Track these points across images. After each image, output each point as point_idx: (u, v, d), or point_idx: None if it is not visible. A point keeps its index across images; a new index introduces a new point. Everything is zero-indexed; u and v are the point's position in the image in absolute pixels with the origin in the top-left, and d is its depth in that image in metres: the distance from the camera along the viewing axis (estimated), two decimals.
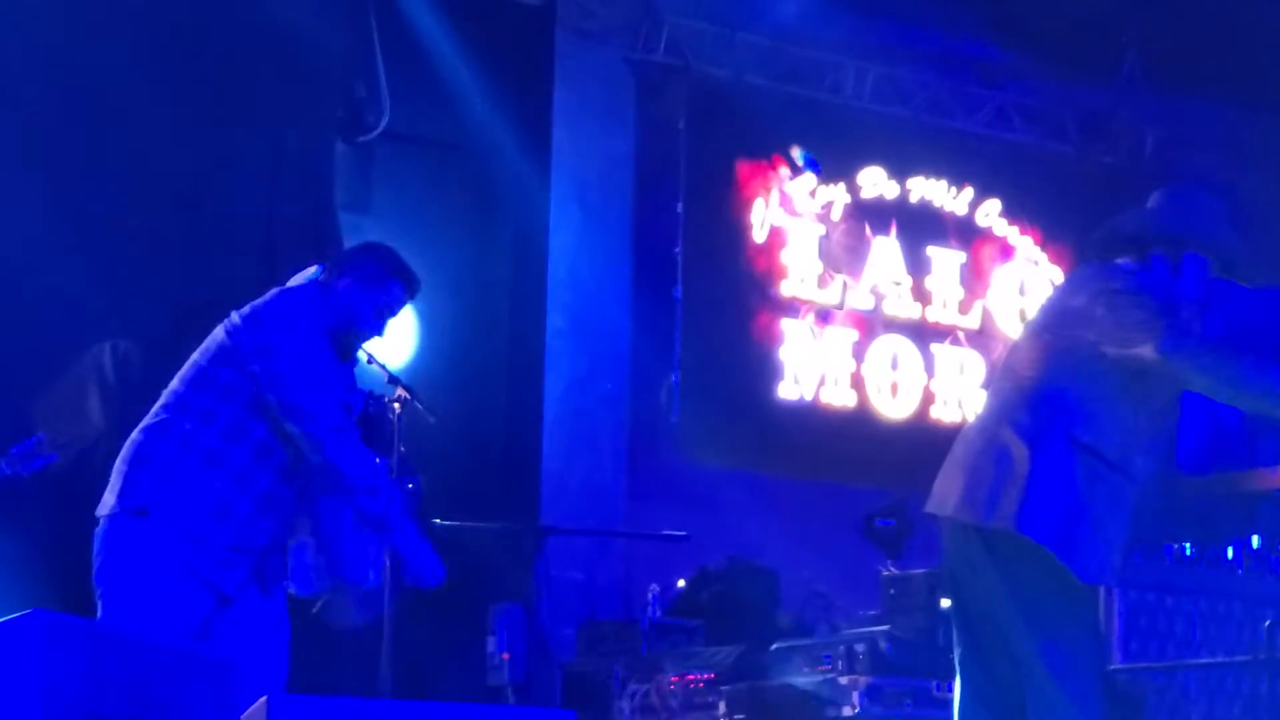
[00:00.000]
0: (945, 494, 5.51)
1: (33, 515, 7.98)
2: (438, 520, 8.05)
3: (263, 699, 3.87)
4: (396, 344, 9.89)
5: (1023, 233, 12.96)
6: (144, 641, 4.13)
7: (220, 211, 9.33)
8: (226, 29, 9.50)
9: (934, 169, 12.69)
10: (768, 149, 12.00)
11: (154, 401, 8.87)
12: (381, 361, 7.06)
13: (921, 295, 12.61)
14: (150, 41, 9.23)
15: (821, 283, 12.32)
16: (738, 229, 12.11)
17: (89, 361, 9.14)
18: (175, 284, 9.04)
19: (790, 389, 12.15)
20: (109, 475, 8.14)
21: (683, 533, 9.68)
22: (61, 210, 8.61)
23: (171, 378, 8.83)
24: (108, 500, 5.88)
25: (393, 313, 6.19)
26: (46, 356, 6.90)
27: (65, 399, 8.13)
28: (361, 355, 7.05)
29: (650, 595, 10.29)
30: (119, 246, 8.96)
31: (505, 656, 9.80)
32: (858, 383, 12.36)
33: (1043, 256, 12.99)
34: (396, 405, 6.76)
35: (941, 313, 12.66)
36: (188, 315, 8.97)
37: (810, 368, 12.23)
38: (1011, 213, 12.89)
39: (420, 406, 6.85)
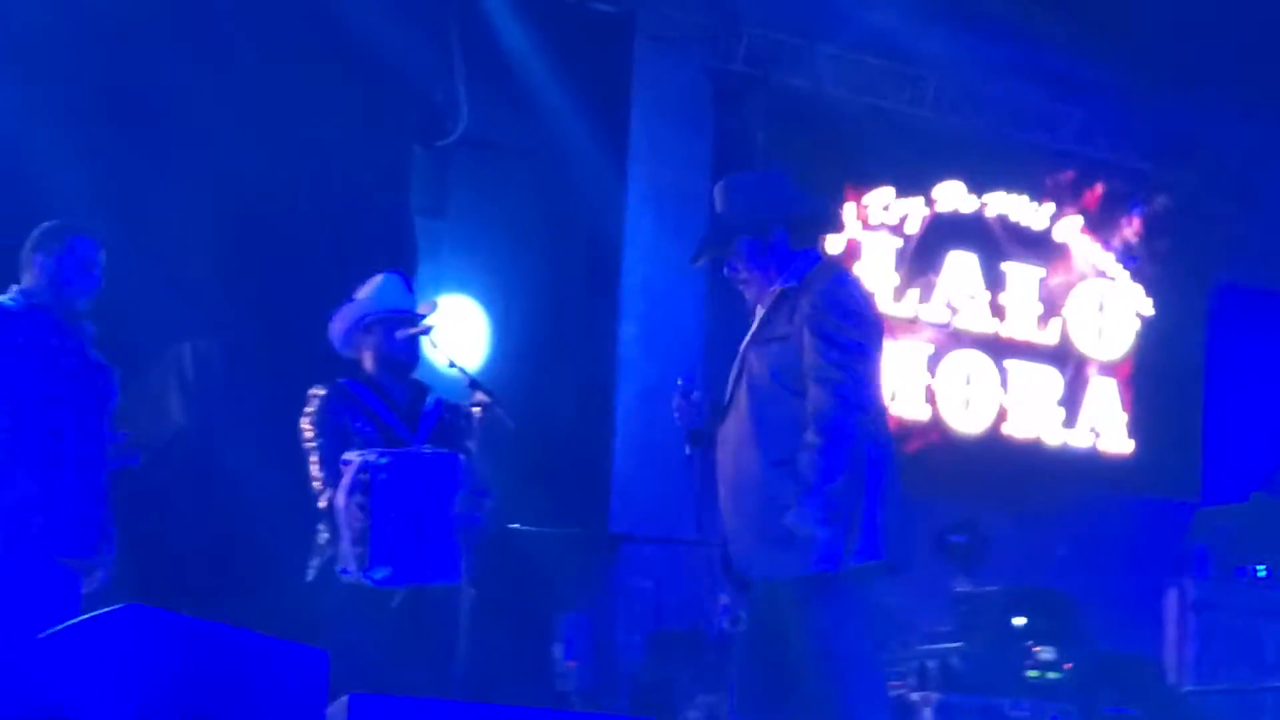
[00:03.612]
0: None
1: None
2: (513, 525, 8.03)
3: (344, 697, 3.88)
4: (469, 348, 9.93)
5: (1104, 250, 12.87)
6: (234, 635, 4.13)
7: (298, 215, 9.35)
8: (307, 35, 9.52)
9: (1013, 183, 12.61)
10: (845, 161, 11.93)
11: (233, 400, 8.96)
12: (461, 366, 7.07)
13: (998, 310, 12.52)
14: (231, 46, 9.26)
15: (896, 296, 12.25)
16: None
17: (169, 360, 9.19)
18: (254, 285, 9.07)
19: None
20: (186, 472, 8.21)
21: None
22: (143, 213, 8.64)
23: (249, 376, 8.92)
24: None
25: (94, 262, 6.55)
26: (128, 355, 6.97)
27: (146, 397, 8.18)
28: (442, 360, 7.08)
29: (720, 605, 10.22)
30: (199, 248, 8.99)
31: (572, 664, 9.78)
32: (931, 397, 12.28)
33: (1123, 274, 12.88)
34: (476, 410, 6.77)
35: (1018, 328, 12.56)
36: (266, 316, 9.03)
37: (883, 381, 12.13)
38: (1092, 229, 12.79)
39: (499, 412, 6.85)
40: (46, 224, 6.58)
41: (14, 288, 6.48)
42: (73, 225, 6.56)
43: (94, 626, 3.84)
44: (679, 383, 6.03)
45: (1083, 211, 12.74)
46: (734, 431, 5.84)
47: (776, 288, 5.90)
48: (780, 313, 5.86)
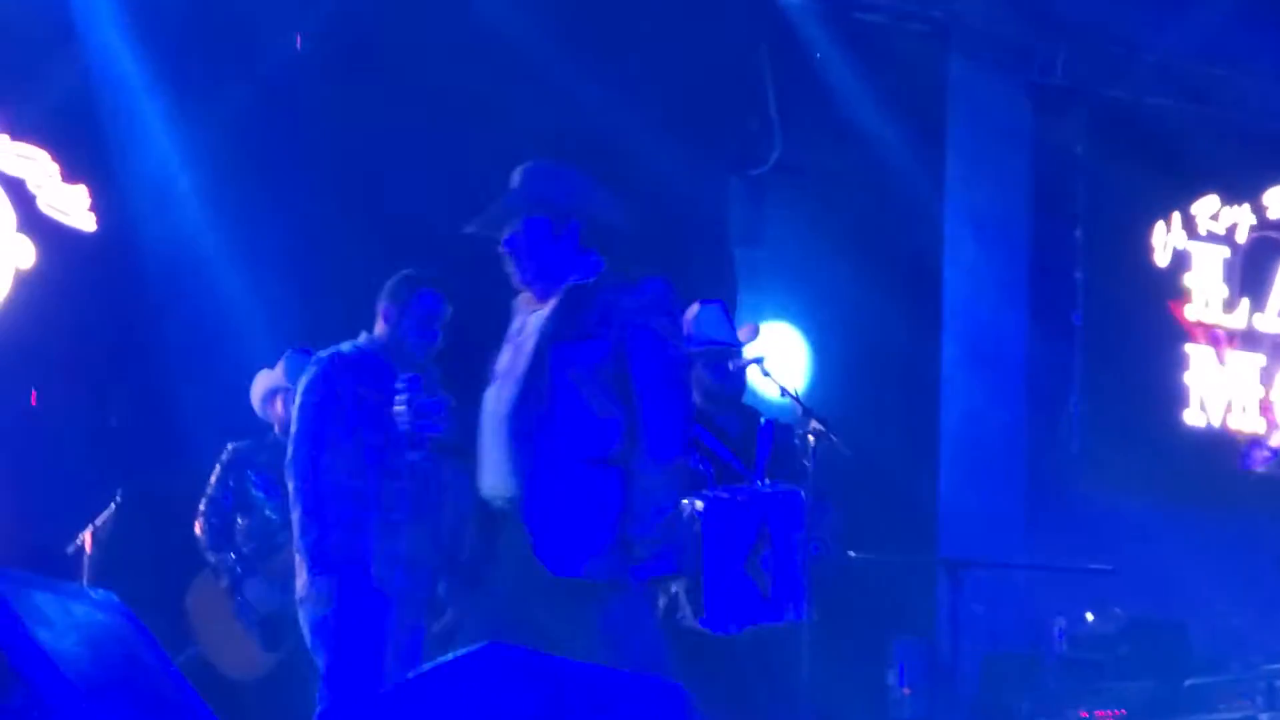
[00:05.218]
0: None
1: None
2: (850, 553, 8.00)
3: None
4: (792, 375, 9.92)
5: None
6: (594, 672, 4.16)
7: (620, 249, 9.42)
8: (619, 67, 9.63)
9: None
10: (1170, 170, 11.68)
11: None
12: (795, 394, 7.06)
13: None
14: (554, 84, 9.41)
15: (1227, 307, 11.97)
16: (1139, 253, 11.84)
17: None
18: None
19: (1196, 416, 11.82)
20: None
21: (1108, 567, 9.37)
22: (464, 248, 8.80)
23: None
24: None
25: (435, 317, 6.60)
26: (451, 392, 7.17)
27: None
28: (774, 389, 7.08)
29: (1057, 629, 10.05)
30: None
31: (907, 691, 9.70)
32: (1267, 409, 11.96)
33: None
34: (811, 438, 6.74)
35: None
36: None
37: (1216, 394, 11.88)
38: None
39: (834, 439, 6.82)
40: (401, 273, 6.68)
41: (364, 335, 6.62)
42: (422, 277, 6.62)
43: (458, 667, 3.89)
44: (400, 385, 5.89)
45: None
46: (534, 427, 5.51)
47: (567, 284, 5.66)
48: (580, 310, 5.60)
